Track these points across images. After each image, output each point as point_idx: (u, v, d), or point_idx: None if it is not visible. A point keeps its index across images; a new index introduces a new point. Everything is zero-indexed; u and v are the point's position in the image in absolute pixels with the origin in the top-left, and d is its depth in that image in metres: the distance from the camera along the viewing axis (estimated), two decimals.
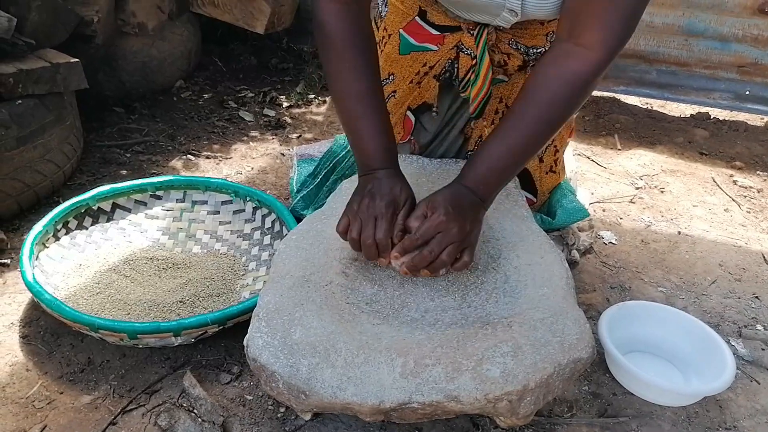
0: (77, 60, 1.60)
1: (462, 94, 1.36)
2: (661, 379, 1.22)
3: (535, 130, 1.06)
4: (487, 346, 0.97)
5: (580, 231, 1.58)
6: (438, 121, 1.42)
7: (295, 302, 1.04)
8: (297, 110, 2.22)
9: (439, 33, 1.31)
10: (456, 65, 1.34)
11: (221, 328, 1.17)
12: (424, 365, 0.95)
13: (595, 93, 2.48)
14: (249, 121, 2.11)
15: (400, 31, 1.34)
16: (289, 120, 2.15)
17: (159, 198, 1.50)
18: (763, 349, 1.33)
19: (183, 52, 2.25)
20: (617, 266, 1.55)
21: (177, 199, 1.51)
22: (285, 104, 2.24)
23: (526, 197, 1.47)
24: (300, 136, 2.05)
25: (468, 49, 1.30)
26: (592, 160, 2.04)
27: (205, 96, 2.24)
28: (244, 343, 1.00)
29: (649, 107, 2.49)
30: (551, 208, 1.53)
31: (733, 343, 1.34)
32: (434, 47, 1.33)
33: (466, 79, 1.33)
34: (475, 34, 1.27)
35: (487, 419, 1.11)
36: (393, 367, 0.95)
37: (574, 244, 1.50)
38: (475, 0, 1.12)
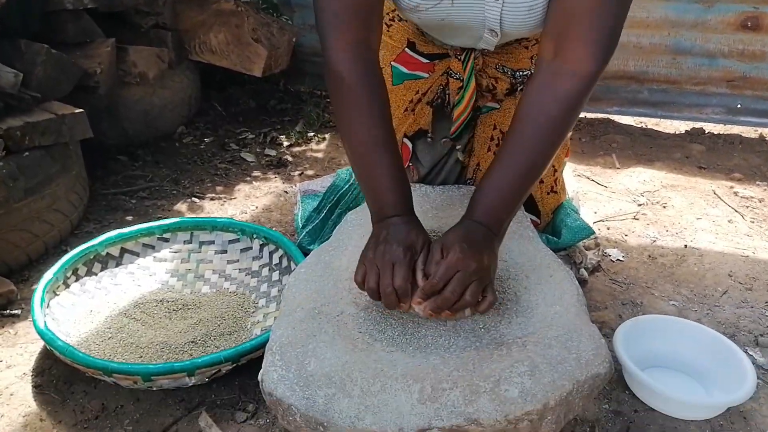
0: (81, 110, 1.63)
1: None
2: (682, 392, 1.21)
3: (536, 152, 1.06)
4: (504, 367, 0.97)
5: (586, 249, 1.59)
6: (435, 148, 1.44)
7: (307, 334, 1.04)
8: (297, 149, 2.25)
9: (428, 61, 1.35)
10: (447, 91, 1.37)
11: (235, 365, 1.17)
12: (442, 390, 0.94)
13: (589, 115, 2.51)
14: (251, 162, 2.13)
15: (392, 63, 1.38)
16: (290, 158, 2.17)
17: (166, 240, 1.51)
18: None
19: (183, 99, 2.29)
20: (627, 282, 1.55)
21: (184, 241, 1.52)
22: (285, 143, 2.27)
23: (530, 219, 1.48)
24: (302, 173, 2.07)
25: (456, 74, 1.33)
26: (593, 180, 2.05)
27: (207, 140, 2.27)
28: (259, 377, 1.00)
29: (644, 126, 2.52)
30: (556, 228, 1.54)
31: (750, 353, 1.33)
32: (425, 74, 1.37)
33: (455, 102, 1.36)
34: (462, 59, 1.30)
35: None
36: (410, 393, 0.94)
37: (581, 262, 1.50)
38: (457, 22, 1.14)
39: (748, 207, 1.92)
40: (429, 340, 1.07)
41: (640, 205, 1.91)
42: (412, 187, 1.42)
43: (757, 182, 2.06)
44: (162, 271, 1.48)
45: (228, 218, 1.55)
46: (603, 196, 1.95)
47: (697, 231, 1.78)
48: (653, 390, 1.16)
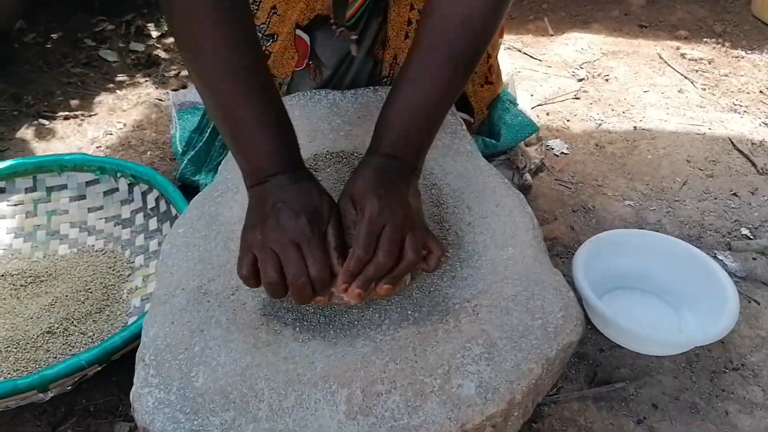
0: None
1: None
2: (656, 329, 1.03)
3: (460, 53, 0.79)
4: (454, 350, 0.74)
5: (527, 146, 1.35)
6: (339, 41, 1.11)
7: (192, 329, 0.77)
8: (171, 39, 1.83)
9: None
10: None
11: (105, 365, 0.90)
12: (376, 394, 0.71)
13: None
14: (113, 62, 1.72)
15: None
16: (162, 54, 1.76)
17: (1, 191, 1.16)
18: (754, 259, 1.16)
19: None
20: (575, 182, 1.34)
21: (26, 189, 1.17)
22: (155, 34, 1.84)
23: (463, 119, 1.21)
24: (179, 73, 1.68)
25: None
26: (525, 53, 1.77)
27: (54, 36, 1.81)
28: (131, 399, 0.73)
29: None
30: (493, 127, 1.27)
31: (720, 257, 1.16)
32: None
33: None
34: None
35: None
36: (335, 404, 0.71)
37: (525, 166, 1.26)
38: None
39: (697, 71, 1.71)
40: (354, 316, 0.82)
41: (580, 80, 1.67)
42: (317, 96, 1.12)
43: (705, 39, 1.84)
44: (1, 231, 1.14)
45: (80, 153, 1.20)
46: (538, 72, 1.69)
47: (646, 107, 1.56)
48: (621, 329, 0.98)
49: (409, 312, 0.82)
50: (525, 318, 0.77)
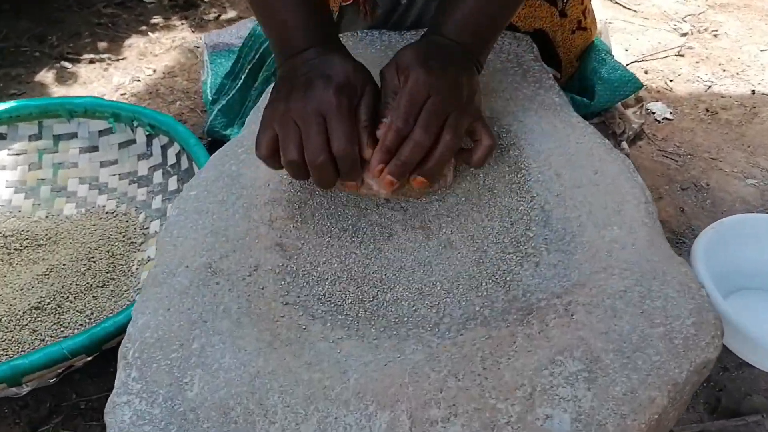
0: None
1: None
2: None
3: None
4: (539, 364, 0.53)
5: (625, 108, 1.11)
6: None
7: (192, 320, 0.59)
8: None
9: None
10: None
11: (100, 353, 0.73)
12: (429, 423, 0.51)
13: None
14: (149, 3, 1.54)
15: None
16: None
17: (2, 137, 1.00)
18: None
19: None
20: (682, 153, 1.09)
21: (31, 136, 1.00)
22: None
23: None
24: (219, 16, 1.49)
25: None
26: (617, 3, 1.52)
27: None
28: (105, 410, 0.56)
29: None
30: (586, 83, 1.04)
31: None
32: None
33: None
34: None
35: None
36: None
37: (623, 131, 1.03)
38: None
39: None
40: (404, 311, 0.63)
41: (683, 34, 1.40)
42: (369, 37, 0.92)
43: None
44: None
45: (93, 97, 1.02)
46: (634, 24, 1.43)
47: (765, 68, 1.30)
48: (755, 342, 0.75)
49: (477, 308, 0.62)
50: (640, 323, 0.56)
